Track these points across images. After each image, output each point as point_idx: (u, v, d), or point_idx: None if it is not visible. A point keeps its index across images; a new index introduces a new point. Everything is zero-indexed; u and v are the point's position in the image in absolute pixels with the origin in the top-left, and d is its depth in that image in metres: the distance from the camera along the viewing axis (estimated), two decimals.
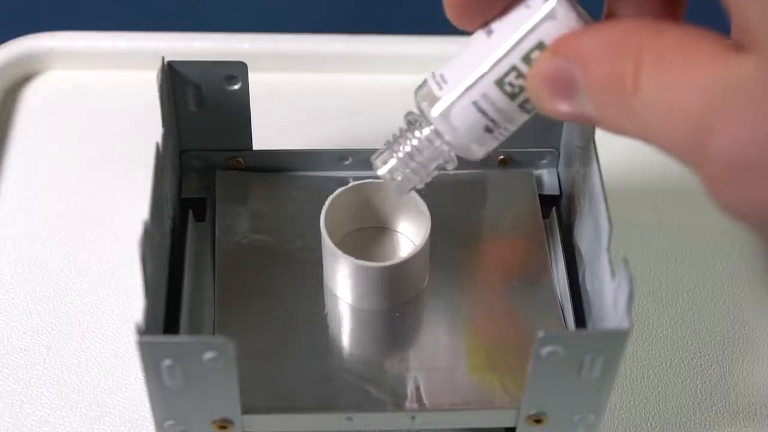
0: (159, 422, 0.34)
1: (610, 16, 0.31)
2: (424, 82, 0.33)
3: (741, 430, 0.40)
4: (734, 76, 0.24)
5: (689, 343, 0.42)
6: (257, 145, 0.42)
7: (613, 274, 0.34)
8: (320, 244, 0.38)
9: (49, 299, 0.43)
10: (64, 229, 0.46)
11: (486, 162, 0.43)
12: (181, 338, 0.35)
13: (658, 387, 0.41)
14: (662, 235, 0.46)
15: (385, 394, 0.36)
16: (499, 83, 0.31)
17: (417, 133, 0.34)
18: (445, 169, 0.35)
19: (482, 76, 0.31)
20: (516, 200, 0.42)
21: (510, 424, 0.35)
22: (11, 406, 0.40)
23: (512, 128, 0.33)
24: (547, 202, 0.43)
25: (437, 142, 0.33)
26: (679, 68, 0.25)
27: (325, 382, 0.36)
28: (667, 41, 0.26)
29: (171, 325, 0.37)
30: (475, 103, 0.32)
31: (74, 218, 0.46)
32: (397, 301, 0.39)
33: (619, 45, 0.27)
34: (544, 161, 0.43)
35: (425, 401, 0.36)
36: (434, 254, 0.39)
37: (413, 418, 0.35)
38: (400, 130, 0.35)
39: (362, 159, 0.42)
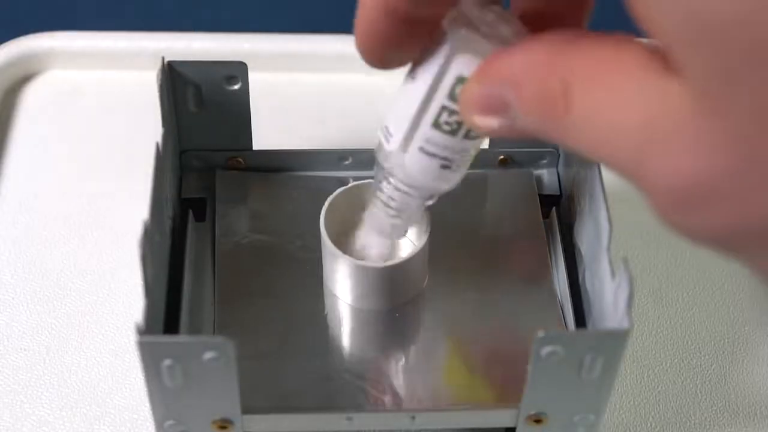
0: (159, 422, 0.34)
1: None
2: (379, 138, 0.33)
3: (741, 430, 0.40)
4: (665, 101, 0.23)
5: (689, 343, 0.42)
6: (257, 145, 0.42)
7: (613, 274, 0.34)
8: (320, 244, 0.38)
9: (49, 299, 0.43)
10: (64, 229, 0.46)
11: (486, 162, 0.43)
12: (181, 338, 0.35)
13: (658, 387, 0.41)
14: (662, 235, 0.46)
15: (385, 394, 0.36)
16: (436, 125, 0.31)
17: (385, 185, 0.34)
18: (426, 205, 0.35)
19: (418, 124, 0.31)
20: (516, 200, 0.42)
21: (510, 424, 0.35)
22: (11, 406, 0.40)
23: (472, 153, 0.32)
24: (547, 202, 0.43)
25: (404, 189, 0.34)
26: (610, 86, 0.24)
27: (325, 382, 0.36)
28: (594, 57, 0.25)
29: (171, 325, 0.37)
30: (421, 149, 0.31)
31: (74, 218, 0.46)
32: (396, 302, 0.39)
33: (546, 64, 0.26)
34: (544, 161, 0.43)
35: (425, 401, 0.36)
36: (434, 254, 0.39)
37: (413, 418, 0.35)
38: (375, 179, 0.35)
39: (362, 159, 0.42)
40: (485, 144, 0.42)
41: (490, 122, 0.28)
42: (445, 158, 0.32)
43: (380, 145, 0.33)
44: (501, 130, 0.28)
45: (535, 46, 0.27)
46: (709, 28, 0.21)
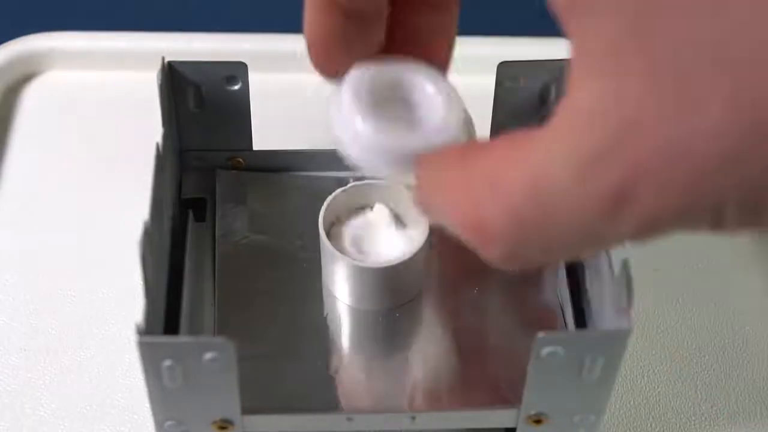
0: (159, 422, 0.34)
1: None
2: None
3: (741, 430, 0.40)
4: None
5: (689, 343, 0.42)
6: (257, 145, 0.42)
7: (613, 274, 0.34)
8: (320, 244, 0.38)
9: (49, 299, 0.43)
10: (64, 229, 0.46)
11: None
12: (181, 338, 0.35)
13: (658, 387, 0.41)
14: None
15: (385, 394, 0.36)
16: None
17: None
18: None
19: None
20: None
21: (510, 424, 0.35)
22: (11, 406, 0.40)
23: None
24: None
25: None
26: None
27: (325, 383, 0.36)
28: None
29: (171, 326, 0.37)
30: None
31: (74, 218, 0.46)
32: (396, 302, 0.39)
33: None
34: None
35: (425, 401, 0.36)
36: (434, 254, 0.39)
37: (413, 418, 0.35)
38: None
39: None
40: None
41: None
42: None
43: None
44: None
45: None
46: None
